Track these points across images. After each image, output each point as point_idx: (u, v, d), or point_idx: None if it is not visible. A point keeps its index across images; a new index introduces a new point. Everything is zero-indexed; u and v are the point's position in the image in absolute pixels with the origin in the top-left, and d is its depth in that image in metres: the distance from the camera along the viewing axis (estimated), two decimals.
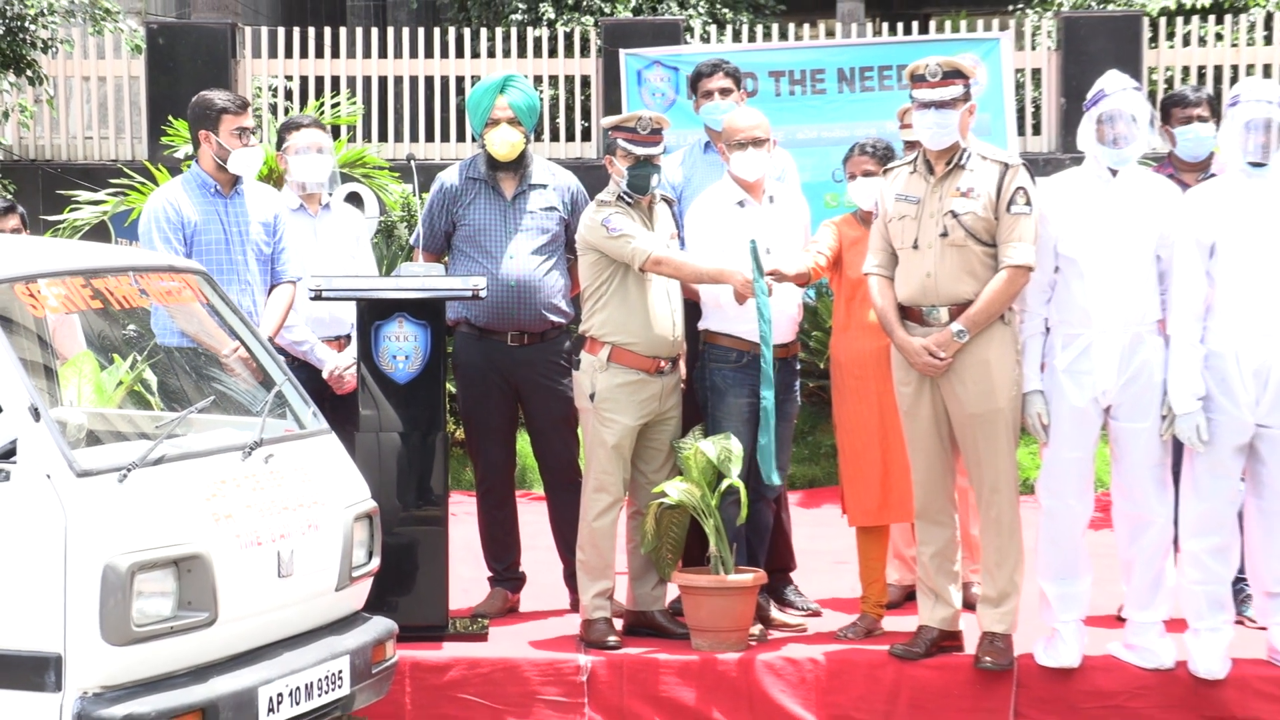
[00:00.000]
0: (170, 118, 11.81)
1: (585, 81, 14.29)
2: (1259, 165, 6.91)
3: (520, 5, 16.06)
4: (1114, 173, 6.99)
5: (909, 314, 6.98)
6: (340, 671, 6.04)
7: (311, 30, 14.38)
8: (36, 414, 5.45)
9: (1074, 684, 7.02)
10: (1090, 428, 7.01)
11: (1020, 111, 13.48)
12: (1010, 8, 16.45)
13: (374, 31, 14.57)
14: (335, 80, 14.09)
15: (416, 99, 14.31)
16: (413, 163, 8.16)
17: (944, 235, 6.88)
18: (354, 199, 12.07)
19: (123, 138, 14.33)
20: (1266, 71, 13.64)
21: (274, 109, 13.91)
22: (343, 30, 14.64)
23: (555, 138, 14.34)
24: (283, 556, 5.89)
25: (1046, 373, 7.03)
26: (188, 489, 5.71)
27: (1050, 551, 7.10)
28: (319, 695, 5.94)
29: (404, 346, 7.35)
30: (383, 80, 14.30)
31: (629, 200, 7.29)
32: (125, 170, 11.95)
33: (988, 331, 6.89)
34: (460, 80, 14.29)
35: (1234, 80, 13.44)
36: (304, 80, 14.19)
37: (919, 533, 7.16)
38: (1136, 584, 7.09)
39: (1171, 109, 7.87)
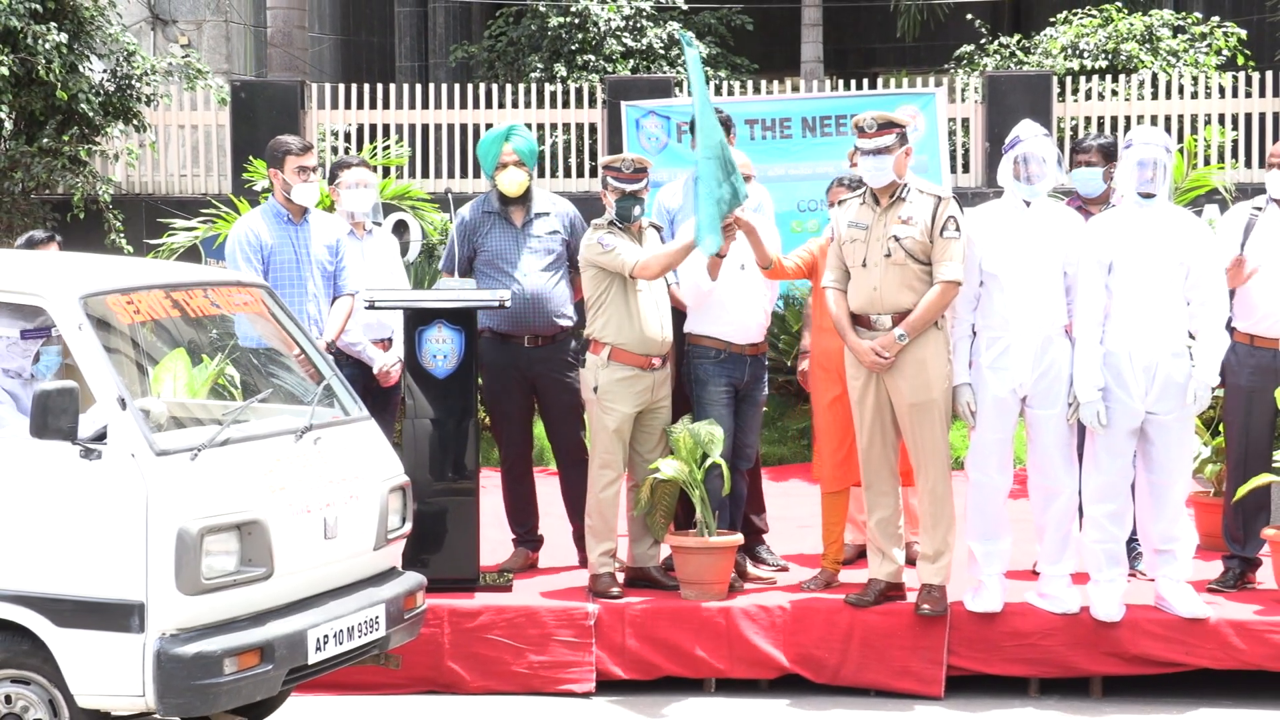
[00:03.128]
0: (250, 158, 11.78)
1: (592, 128, 14.24)
2: (1148, 196, 6.91)
3: (539, 65, 16.02)
4: (1027, 204, 6.99)
5: (859, 320, 6.97)
6: (377, 617, 6.01)
7: (366, 86, 14.35)
8: (123, 403, 5.44)
9: (996, 626, 7.01)
10: (1009, 414, 7.00)
11: (952, 153, 13.44)
12: (943, 67, 16.42)
13: (418, 86, 14.55)
14: (386, 127, 14.05)
15: (454, 142, 14.27)
16: (450, 195, 8.15)
17: (888, 256, 6.87)
18: (401, 226, 12.05)
19: (211, 175, 14.29)
20: (1154, 121, 13.63)
21: (335, 150, 13.88)
22: (392, 85, 14.62)
23: (568, 174, 14.31)
24: (328, 522, 5.86)
25: (973, 369, 7.02)
26: (249, 466, 5.68)
27: (977, 517, 7.09)
28: (359, 636, 5.91)
29: (442, 348, 7.33)
30: (425, 127, 14.26)
31: (619, 226, 7.29)
32: (213, 202, 11.92)
33: (924, 335, 6.87)
34: (489, 126, 14.20)
35: (1127, 128, 13.43)
36: (360, 127, 14.15)
37: (867, 502, 7.13)
38: (1047, 543, 7.09)
39: (1072, 154, 7.84)
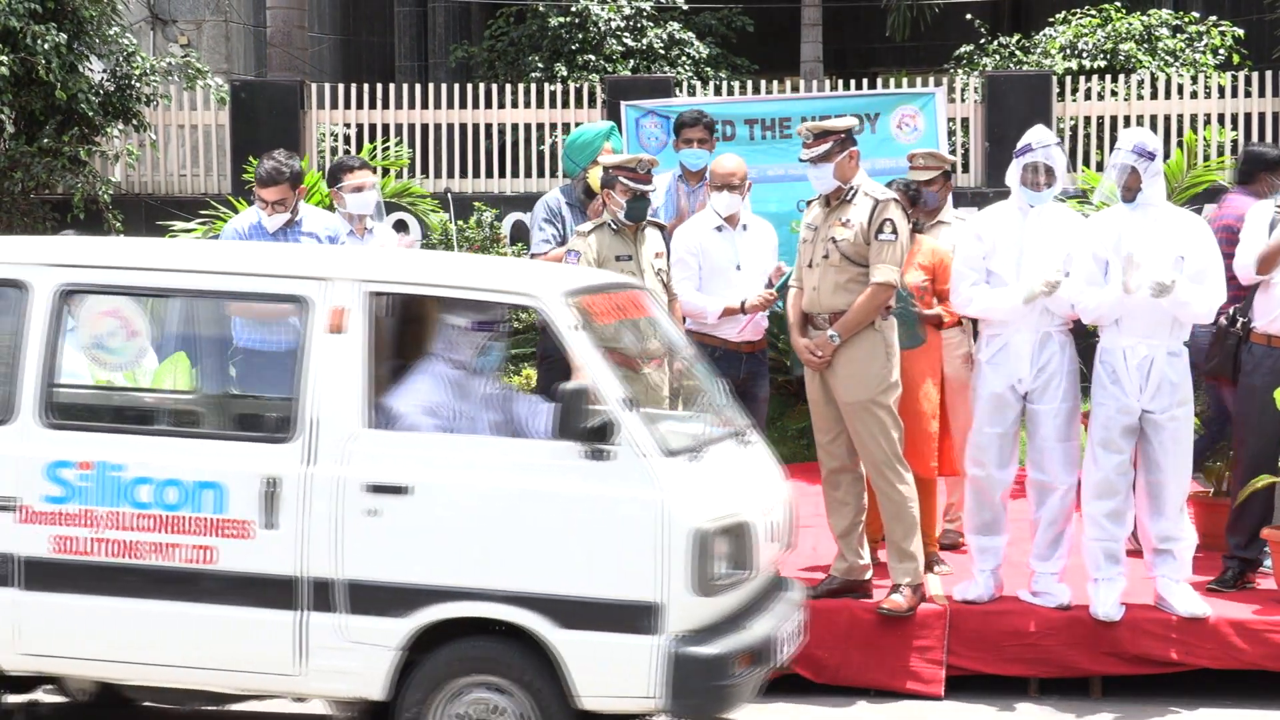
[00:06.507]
0: (250, 158, 11.73)
1: None
2: (1126, 200, 6.94)
3: (539, 65, 16.00)
4: (1031, 205, 7.03)
5: (809, 319, 7.02)
6: (800, 621, 5.99)
7: (366, 85, 14.33)
8: (631, 404, 5.38)
9: (996, 625, 7.02)
10: (1008, 409, 7.05)
11: (951, 153, 13.43)
12: (943, 67, 16.41)
13: (418, 86, 14.53)
14: (386, 127, 14.03)
15: (453, 142, 14.26)
16: (449, 195, 8.15)
17: (825, 257, 6.93)
18: (401, 226, 12.03)
19: (210, 175, 14.27)
20: (1153, 121, 13.62)
21: (334, 151, 13.86)
22: (392, 85, 14.60)
23: (567, 174, 14.25)
24: (774, 525, 5.81)
25: (973, 364, 7.10)
26: (727, 467, 5.67)
27: (974, 511, 7.16)
28: (796, 638, 5.90)
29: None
30: (424, 126, 14.24)
31: (614, 228, 7.27)
32: (212, 202, 11.91)
33: (859, 336, 6.90)
34: (489, 127, 14.24)
35: (1126, 128, 13.41)
36: (360, 127, 14.13)
37: (825, 498, 7.14)
38: (1039, 540, 7.14)
39: None
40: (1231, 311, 7.37)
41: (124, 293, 6.06)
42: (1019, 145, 7.05)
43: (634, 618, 5.26)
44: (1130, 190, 6.90)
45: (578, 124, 14.18)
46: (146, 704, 6.17)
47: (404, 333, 6.05)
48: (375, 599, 5.40)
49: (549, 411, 5.87)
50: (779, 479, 6.14)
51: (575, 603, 5.29)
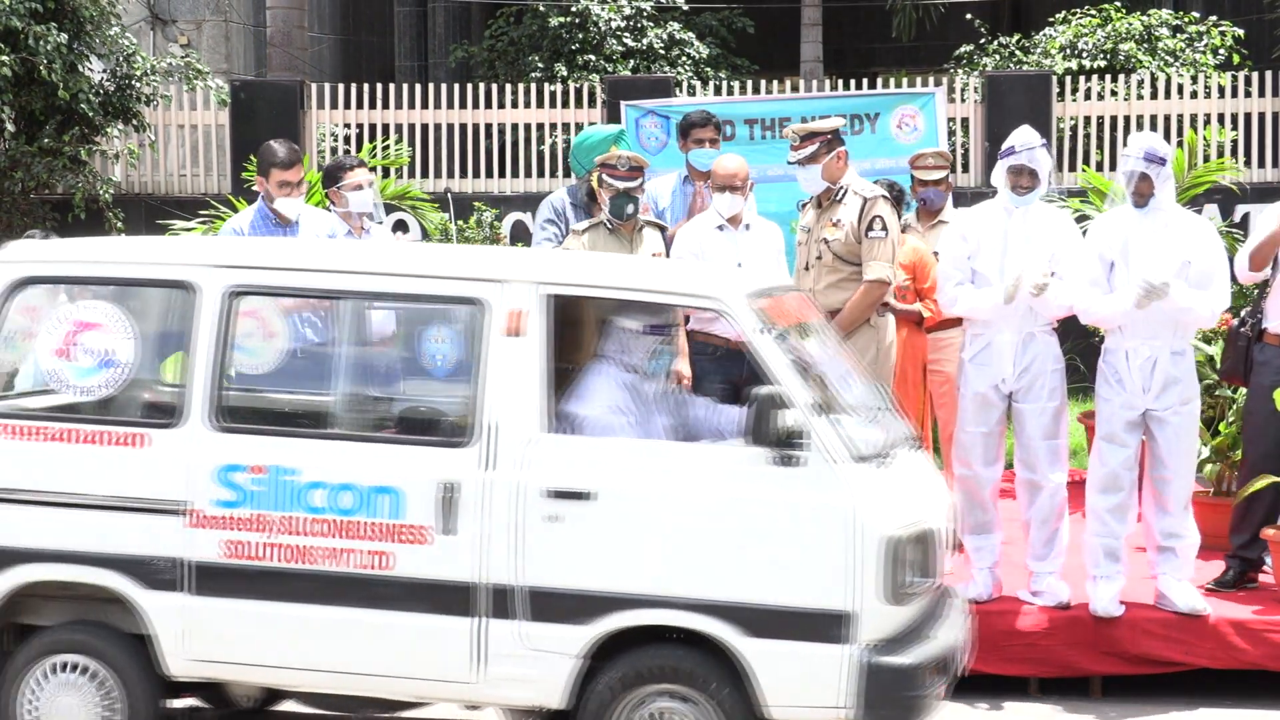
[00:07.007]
0: (250, 158, 11.73)
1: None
2: (1138, 205, 6.93)
3: (539, 65, 16.00)
4: (1016, 208, 7.04)
5: None
6: (968, 628, 5.86)
7: (366, 85, 14.33)
8: (820, 409, 5.27)
9: (996, 625, 7.00)
10: (992, 409, 7.07)
11: (952, 153, 13.44)
12: (943, 67, 16.41)
13: (418, 86, 14.53)
14: (385, 127, 14.03)
15: (453, 142, 14.26)
16: (449, 195, 8.14)
17: (819, 259, 6.96)
18: (401, 226, 12.03)
19: (210, 175, 14.28)
20: (1153, 121, 13.62)
21: (334, 150, 13.85)
22: (392, 85, 14.60)
23: (567, 175, 14.27)
24: (948, 531, 5.71)
25: (959, 364, 7.10)
26: (908, 473, 5.58)
27: (965, 511, 7.17)
28: (968, 649, 5.79)
29: (441, 348, 7.28)
30: (424, 127, 14.24)
31: (609, 227, 7.29)
32: (212, 202, 11.89)
33: (856, 333, 7.00)
34: (489, 127, 14.24)
35: (1126, 128, 13.42)
36: (360, 127, 14.13)
37: None
38: (1033, 540, 7.15)
39: None
40: (1242, 313, 7.38)
41: (294, 294, 5.97)
42: (1003, 147, 7.08)
43: (825, 626, 5.14)
44: (1142, 195, 6.88)
45: (578, 124, 14.23)
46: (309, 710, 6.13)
47: (564, 335, 5.85)
48: (556, 606, 5.29)
49: (729, 415, 5.83)
50: (944, 485, 6.04)
51: (764, 611, 5.17)
